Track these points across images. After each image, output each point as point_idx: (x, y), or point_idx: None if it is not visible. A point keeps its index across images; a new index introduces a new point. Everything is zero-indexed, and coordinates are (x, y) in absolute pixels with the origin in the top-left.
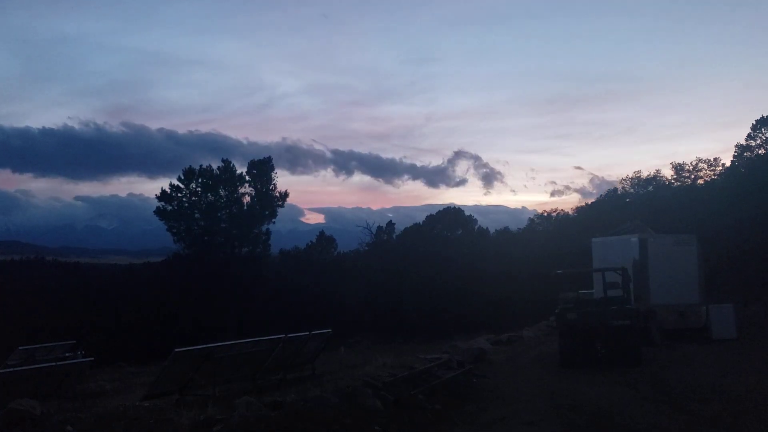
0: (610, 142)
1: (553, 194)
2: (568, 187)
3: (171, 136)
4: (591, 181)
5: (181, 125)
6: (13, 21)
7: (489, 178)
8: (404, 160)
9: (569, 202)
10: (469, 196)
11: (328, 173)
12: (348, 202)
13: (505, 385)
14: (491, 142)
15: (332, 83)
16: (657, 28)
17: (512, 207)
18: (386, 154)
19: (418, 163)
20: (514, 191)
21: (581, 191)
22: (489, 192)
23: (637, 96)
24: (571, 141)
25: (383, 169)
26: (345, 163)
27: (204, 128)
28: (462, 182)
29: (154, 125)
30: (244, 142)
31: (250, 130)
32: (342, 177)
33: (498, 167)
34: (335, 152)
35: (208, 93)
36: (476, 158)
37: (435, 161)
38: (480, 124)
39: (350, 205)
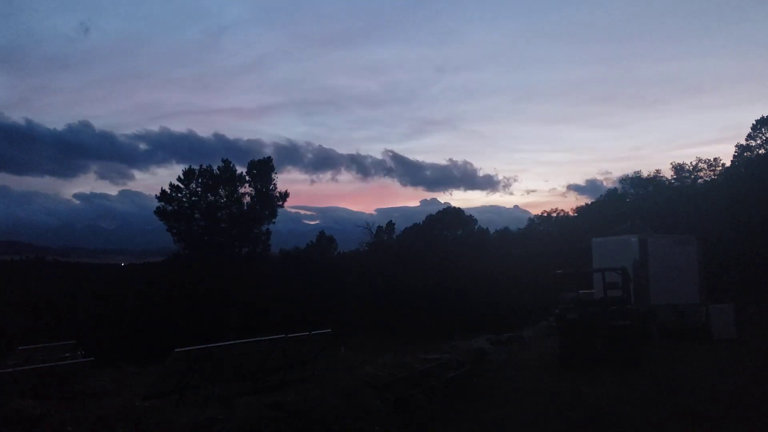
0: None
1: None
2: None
3: None
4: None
5: None
6: None
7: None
8: (407, 157)
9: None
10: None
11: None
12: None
13: (505, 385)
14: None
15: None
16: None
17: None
18: (380, 144)
19: (434, 160)
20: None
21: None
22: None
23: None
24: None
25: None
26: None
27: None
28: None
29: None
30: (156, 129)
31: (176, 91)
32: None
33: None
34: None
35: None
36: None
37: (450, 146)
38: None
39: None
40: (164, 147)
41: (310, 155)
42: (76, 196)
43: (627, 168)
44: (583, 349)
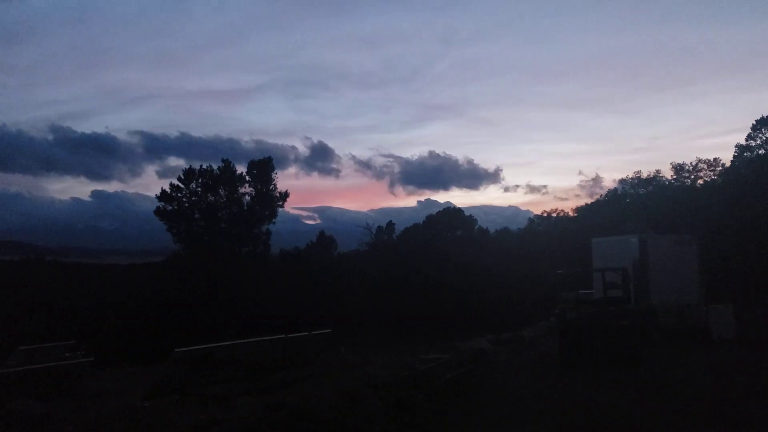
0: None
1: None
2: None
3: None
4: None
5: None
6: None
7: None
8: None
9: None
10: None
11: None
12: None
13: (505, 385)
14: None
15: None
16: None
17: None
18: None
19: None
20: None
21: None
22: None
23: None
24: None
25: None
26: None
27: None
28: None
29: None
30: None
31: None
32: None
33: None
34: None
35: None
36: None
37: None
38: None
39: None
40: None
41: (301, 153)
42: (76, 196)
43: (642, 161)
44: (583, 349)
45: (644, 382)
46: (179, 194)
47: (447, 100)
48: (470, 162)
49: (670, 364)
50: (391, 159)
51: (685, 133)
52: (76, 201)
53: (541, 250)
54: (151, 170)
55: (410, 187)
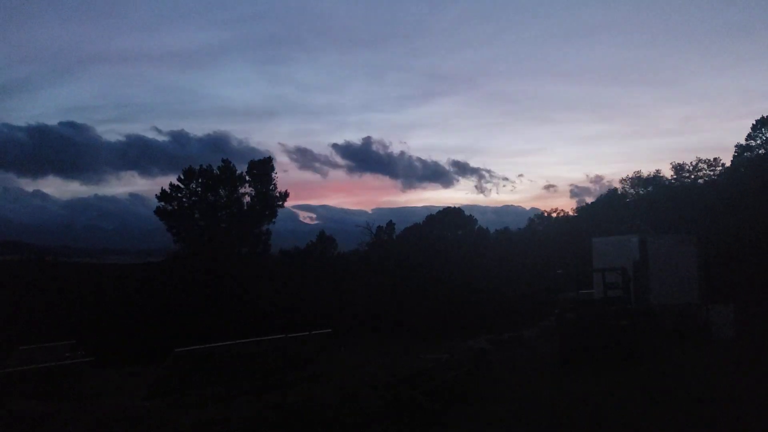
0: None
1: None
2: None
3: None
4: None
5: None
6: None
7: None
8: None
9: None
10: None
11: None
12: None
13: (505, 385)
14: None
15: None
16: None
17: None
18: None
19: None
20: None
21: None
22: None
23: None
24: None
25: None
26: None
27: None
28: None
29: None
30: None
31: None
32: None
33: None
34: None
35: None
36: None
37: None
38: None
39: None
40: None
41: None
42: (76, 195)
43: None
44: (583, 349)
45: (644, 383)
46: (179, 194)
47: (453, 69)
48: (479, 154)
49: (670, 364)
50: (384, 154)
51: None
52: None
53: (541, 250)
54: None
55: (400, 182)
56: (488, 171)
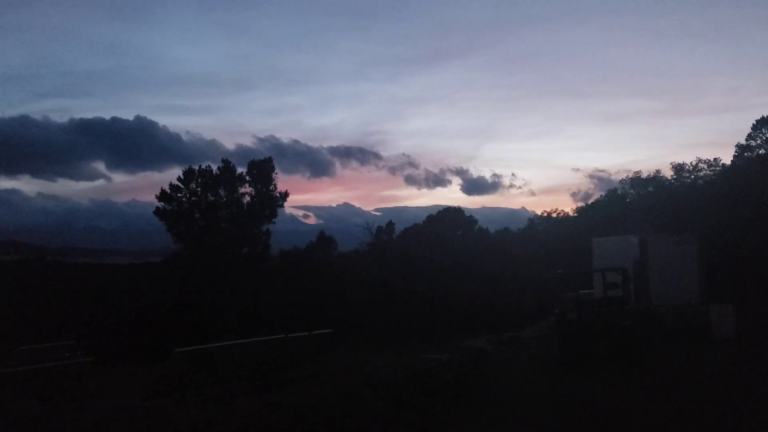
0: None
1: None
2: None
3: None
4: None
5: None
6: None
7: None
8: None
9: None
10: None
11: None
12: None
13: (505, 385)
14: None
15: None
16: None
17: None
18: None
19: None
20: None
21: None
22: None
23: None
24: None
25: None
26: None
27: None
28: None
29: None
30: None
31: None
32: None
33: None
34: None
35: None
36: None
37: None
38: None
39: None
40: None
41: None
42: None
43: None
44: (583, 349)
45: (644, 382)
46: (179, 194)
47: (460, 37)
48: (483, 148)
49: (670, 364)
50: (383, 148)
51: None
52: None
53: (541, 250)
54: None
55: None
56: (497, 175)
